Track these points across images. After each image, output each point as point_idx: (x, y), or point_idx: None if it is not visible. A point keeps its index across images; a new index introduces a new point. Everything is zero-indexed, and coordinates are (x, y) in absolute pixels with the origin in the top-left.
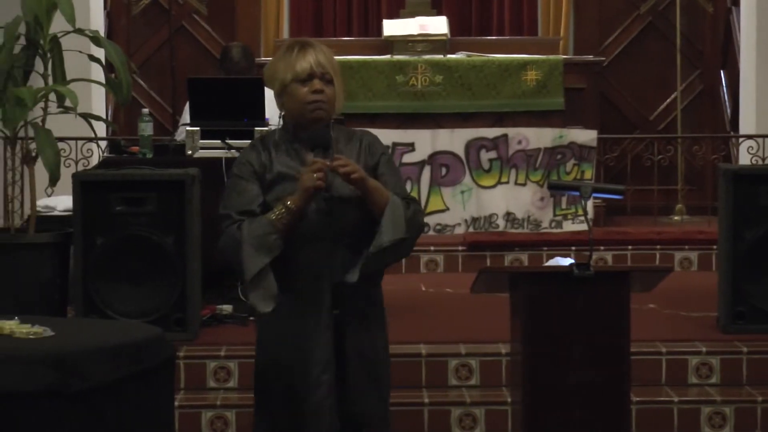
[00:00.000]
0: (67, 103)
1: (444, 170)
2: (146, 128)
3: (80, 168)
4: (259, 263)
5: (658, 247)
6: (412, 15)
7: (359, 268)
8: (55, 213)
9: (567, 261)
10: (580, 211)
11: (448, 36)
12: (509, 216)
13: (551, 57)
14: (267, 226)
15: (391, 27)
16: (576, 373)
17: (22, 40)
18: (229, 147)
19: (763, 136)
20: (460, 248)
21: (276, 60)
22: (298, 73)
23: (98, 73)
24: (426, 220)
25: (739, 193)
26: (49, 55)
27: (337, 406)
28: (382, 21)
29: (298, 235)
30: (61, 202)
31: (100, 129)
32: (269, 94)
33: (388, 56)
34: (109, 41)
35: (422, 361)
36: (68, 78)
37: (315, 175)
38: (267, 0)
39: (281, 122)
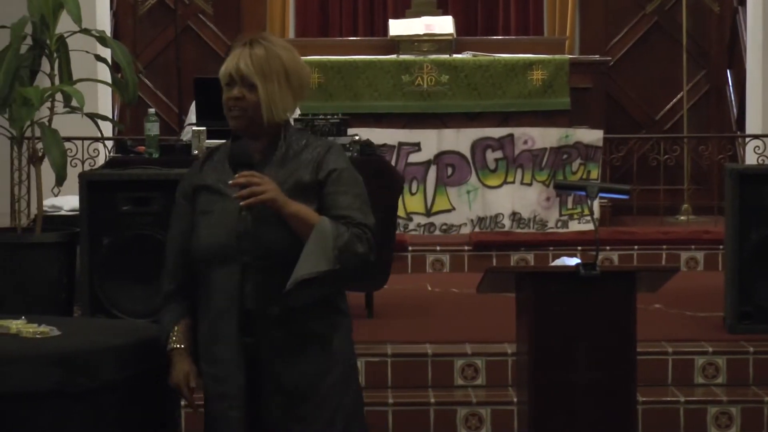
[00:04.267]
0: (74, 102)
1: (450, 170)
2: (152, 128)
3: (87, 168)
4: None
5: (665, 247)
6: (418, 15)
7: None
8: (62, 213)
9: (573, 261)
10: (586, 211)
11: (454, 36)
12: (515, 216)
13: (557, 57)
14: (164, 341)
15: (397, 27)
16: (582, 373)
17: (29, 40)
18: None
19: None
20: (466, 248)
21: None
22: (221, 77)
23: (104, 73)
24: (432, 220)
25: (746, 193)
26: (55, 55)
27: None
28: (387, 21)
29: (212, 256)
30: (68, 201)
31: (107, 129)
32: None
33: (393, 56)
34: (115, 41)
35: (428, 361)
36: (75, 78)
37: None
38: (273, 0)
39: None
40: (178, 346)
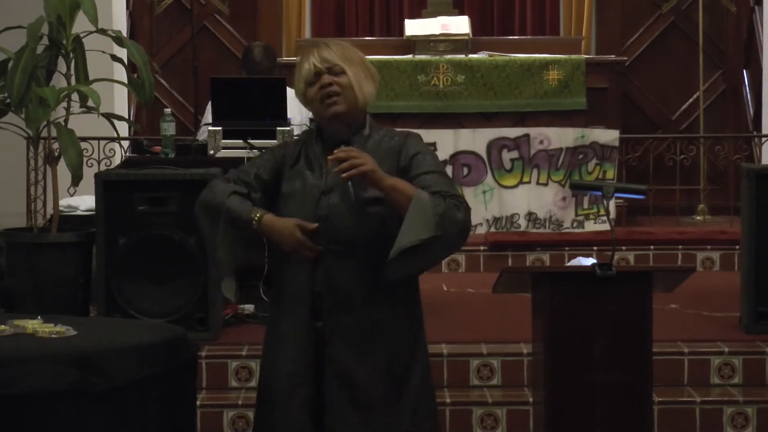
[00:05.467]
0: (90, 103)
1: (466, 170)
2: (168, 128)
3: (103, 168)
4: (229, 259)
5: (681, 247)
6: (434, 15)
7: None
8: (78, 213)
9: (589, 261)
10: (602, 211)
11: (470, 36)
12: (531, 216)
13: (573, 57)
14: (247, 217)
15: (413, 27)
16: (598, 373)
17: (45, 40)
18: (251, 147)
19: None
20: (481, 248)
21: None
22: (305, 77)
23: (121, 73)
24: None
25: (762, 193)
26: (71, 55)
27: (319, 427)
28: (404, 21)
29: None
30: (84, 201)
31: (123, 129)
32: (291, 93)
33: (410, 56)
34: (131, 41)
35: (444, 361)
36: (91, 78)
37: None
38: (289, 0)
39: (306, 123)
40: (263, 212)
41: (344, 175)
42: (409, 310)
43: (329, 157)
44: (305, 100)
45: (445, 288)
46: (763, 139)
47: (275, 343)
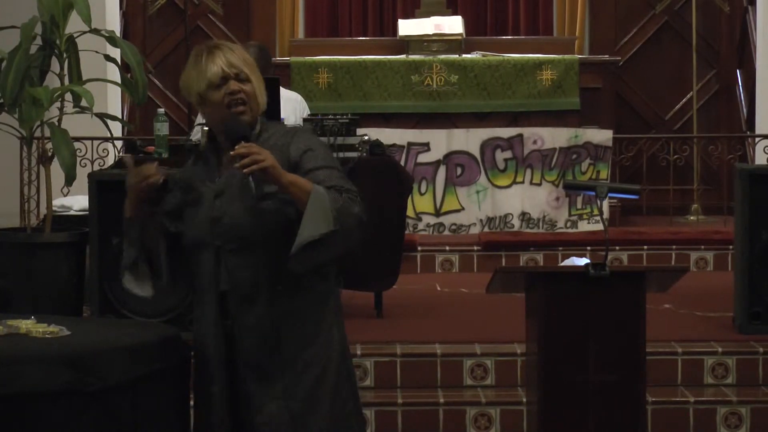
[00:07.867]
0: (83, 103)
1: (459, 170)
2: (162, 128)
3: (96, 168)
4: (128, 257)
5: (674, 247)
6: (428, 15)
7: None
8: (71, 212)
9: (582, 261)
10: (596, 211)
11: (464, 36)
12: (524, 216)
13: (567, 57)
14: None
15: (407, 27)
16: (592, 373)
17: (39, 40)
18: None
19: None
20: (475, 248)
21: (188, 69)
22: (211, 79)
23: (114, 73)
24: (441, 220)
25: (756, 193)
26: (65, 55)
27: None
28: (397, 21)
29: (193, 242)
30: (77, 201)
31: (116, 129)
32: (285, 94)
33: (403, 56)
34: (124, 41)
35: (437, 361)
36: (84, 78)
37: (146, 172)
38: (282, 0)
39: (300, 124)
40: None
41: (246, 170)
42: (319, 299)
43: (231, 153)
44: (202, 100)
45: (438, 288)
46: (757, 139)
47: (195, 347)
